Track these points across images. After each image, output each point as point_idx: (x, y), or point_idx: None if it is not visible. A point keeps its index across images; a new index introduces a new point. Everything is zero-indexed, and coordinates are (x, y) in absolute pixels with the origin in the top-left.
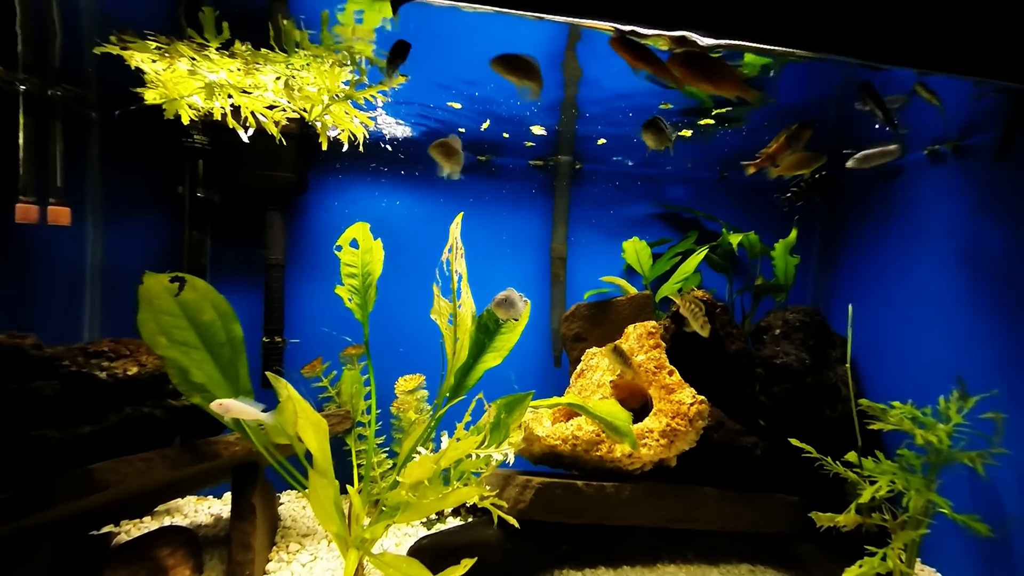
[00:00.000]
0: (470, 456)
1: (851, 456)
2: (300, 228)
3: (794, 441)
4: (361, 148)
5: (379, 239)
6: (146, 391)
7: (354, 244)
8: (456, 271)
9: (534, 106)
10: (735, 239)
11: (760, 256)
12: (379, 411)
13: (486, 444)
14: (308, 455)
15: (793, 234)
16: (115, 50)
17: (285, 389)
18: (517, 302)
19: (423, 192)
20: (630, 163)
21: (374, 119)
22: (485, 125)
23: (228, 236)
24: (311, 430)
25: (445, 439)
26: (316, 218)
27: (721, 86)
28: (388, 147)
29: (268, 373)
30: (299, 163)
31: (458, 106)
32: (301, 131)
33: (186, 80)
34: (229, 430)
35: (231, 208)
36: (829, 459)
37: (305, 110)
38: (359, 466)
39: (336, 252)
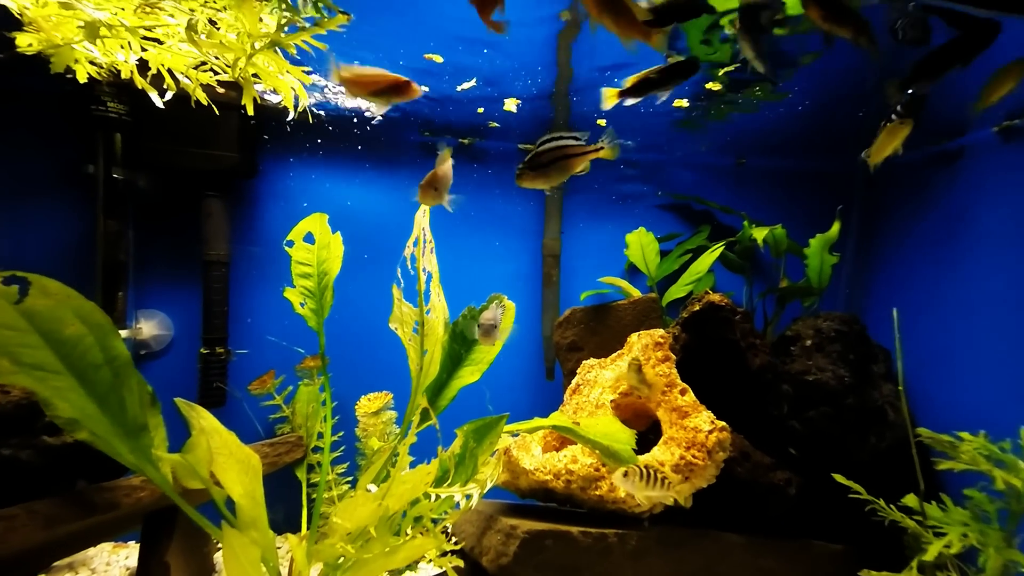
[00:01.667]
0: (429, 496)
1: (910, 500)
2: (248, 218)
3: (839, 478)
4: (294, 115)
5: (339, 232)
6: (10, 427)
7: (309, 239)
8: (424, 269)
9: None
10: (760, 234)
11: (785, 254)
12: (343, 434)
13: (450, 481)
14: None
15: (835, 228)
16: None
17: (199, 419)
18: (497, 326)
19: (394, 178)
20: (633, 146)
21: (322, 89)
22: (467, 85)
23: (157, 227)
24: (235, 470)
25: None
26: (268, 207)
27: (621, 25)
28: (353, 124)
29: (178, 400)
30: (244, 140)
31: (439, 59)
32: None
33: (68, 19)
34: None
35: (160, 193)
36: (882, 502)
37: (228, 65)
38: (311, 502)
39: (287, 248)
